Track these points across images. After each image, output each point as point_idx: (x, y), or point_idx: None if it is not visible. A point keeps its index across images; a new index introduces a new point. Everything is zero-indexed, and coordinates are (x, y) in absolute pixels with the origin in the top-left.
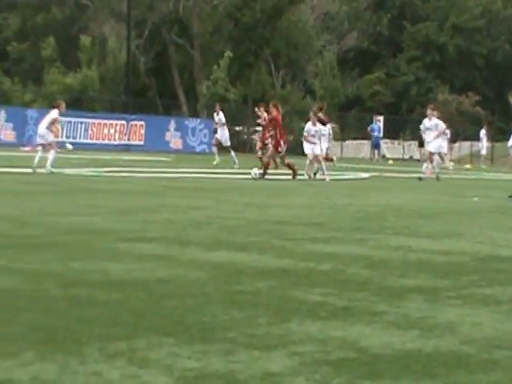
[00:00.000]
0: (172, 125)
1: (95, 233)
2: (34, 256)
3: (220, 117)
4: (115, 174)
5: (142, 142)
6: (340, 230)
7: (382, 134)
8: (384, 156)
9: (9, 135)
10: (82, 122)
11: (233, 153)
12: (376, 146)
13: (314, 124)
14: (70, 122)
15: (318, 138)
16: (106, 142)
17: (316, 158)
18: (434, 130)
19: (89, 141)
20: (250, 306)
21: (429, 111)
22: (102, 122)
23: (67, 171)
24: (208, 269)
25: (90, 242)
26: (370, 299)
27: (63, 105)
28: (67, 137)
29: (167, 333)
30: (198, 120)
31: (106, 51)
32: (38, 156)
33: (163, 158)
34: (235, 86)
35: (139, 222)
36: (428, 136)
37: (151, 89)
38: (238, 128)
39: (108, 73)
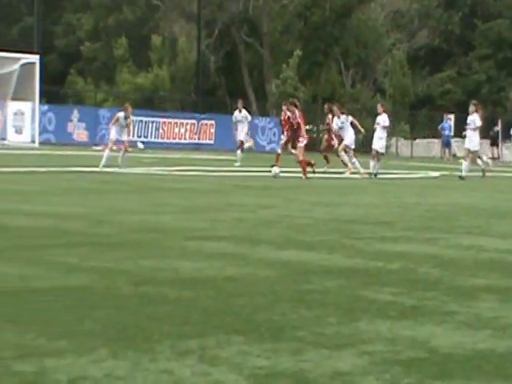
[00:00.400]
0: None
1: (165, 231)
2: (106, 254)
3: (243, 114)
4: (185, 173)
5: (211, 141)
6: (409, 229)
7: (452, 133)
8: (455, 155)
9: (81, 135)
10: (152, 122)
11: (239, 151)
12: (447, 144)
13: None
14: (142, 121)
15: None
16: (177, 141)
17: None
18: (471, 126)
19: (160, 140)
20: (320, 304)
21: (471, 107)
22: (173, 121)
23: (138, 170)
24: (277, 267)
25: (160, 240)
26: (441, 299)
27: (130, 109)
28: (138, 136)
29: (237, 331)
30: (268, 119)
31: (177, 51)
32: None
33: (232, 157)
34: (304, 85)
35: (208, 221)
36: (467, 133)
37: (221, 88)
38: (307, 127)
39: (178, 72)
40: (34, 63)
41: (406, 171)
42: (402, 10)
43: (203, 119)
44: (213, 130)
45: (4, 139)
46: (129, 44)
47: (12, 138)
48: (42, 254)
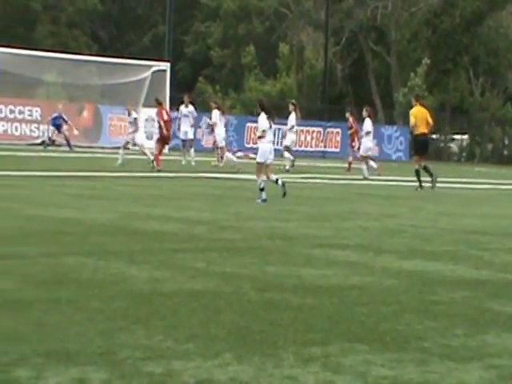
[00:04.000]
0: None
1: (290, 238)
2: (232, 259)
3: (190, 109)
4: (310, 181)
5: (337, 150)
6: None
7: None
8: None
9: (209, 141)
10: (279, 129)
11: (192, 152)
12: None
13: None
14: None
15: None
16: (303, 148)
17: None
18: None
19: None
20: (446, 316)
21: (364, 113)
22: (299, 128)
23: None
24: (402, 277)
25: (286, 247)
26: None
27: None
28: None
29: (361, 340)
30: (395, 127)
31: (304, 59)
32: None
33: (358, 166)
34: (432, 93)
35: (333, 229)
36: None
37: (347, 96)
38: (434, 136)
39: (305, 80)
40: (164, 70)
41: None
42: None
43: (329, 127)
44: (338, 138)
45: (136, 145)
46: (256, 52)
47: (143, 142)
48: (171, 257)
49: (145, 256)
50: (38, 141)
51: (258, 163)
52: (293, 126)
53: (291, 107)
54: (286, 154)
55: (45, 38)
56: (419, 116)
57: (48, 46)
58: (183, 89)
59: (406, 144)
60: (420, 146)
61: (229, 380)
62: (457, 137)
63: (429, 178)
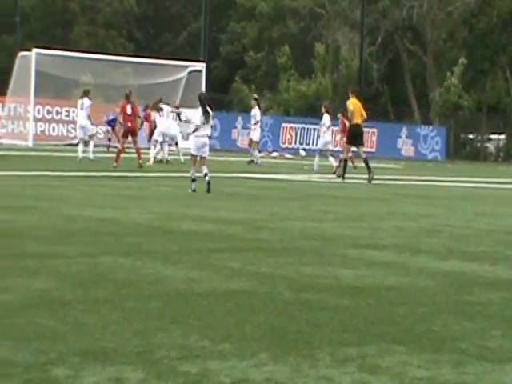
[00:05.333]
0: (404, 132)
1: (326, 238)
2: (268, 260)
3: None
4: (346, 181)
5: (373, 149)
6: None
7: None
8: None
9: (245, 141)
10: (314, 129)
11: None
12: None
13: None
14: (304, 128)
15: None
16: (338, 148)
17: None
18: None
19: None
20: (482, 317)
21: (323, 108)
22: (334, 128)
23: (299, 177)
24: (438, 278)
25: (322, 247)
26: None
27: None
28: (300, 143)
29: (397, 341)
30: (431, 127)
31: (339, 59)
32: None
33: (394, 166)
34: (469, 93)
35: (369, 229)
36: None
37: (383, 96)
38: (471, 136)
39: (341, 80)
40: (200, 71)
41: None
42: None
43: (365, 127)
44: (374, 138)
45: (171, 145)
46: (292, 52)
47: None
48: (207, 257)
49: (181, 256)
50: (75, 141)
51: (192, 155)
52: (257, 122)
53: (253, 102)
54: (254, 151)
55: (82, 39)
56: (356, 108)
57: (85, 47)
58: (219, 89)
59: (441, 144)
60: (353, 136)
61: (264, 380)
62: (493, 137)
63: (365, 176)
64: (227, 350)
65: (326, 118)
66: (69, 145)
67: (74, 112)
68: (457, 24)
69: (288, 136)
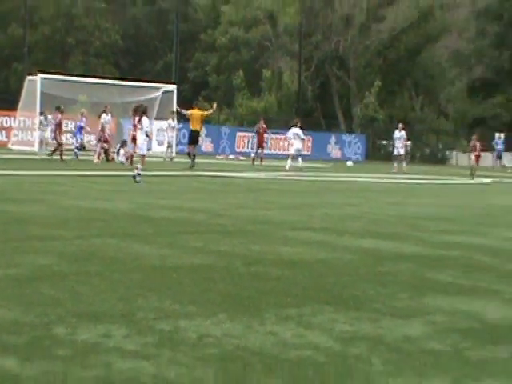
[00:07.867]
0: (332, 139)
1: (271, 223)
2: (225, 240)
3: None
4: (287, 178)
5: (309, 153)
6: (465, 224)
7: (503, 148)
8: (504, 165)
9: (208, 146)
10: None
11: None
12: (499, 157)
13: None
14: (254, 137)
15: None
16: (282, 152)
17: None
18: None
19: (269, 151)
20: (393, 283)
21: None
22: (278, 136)
23: (251, 175)
24: (359, 253)
25: (267, 230)
26: (492, 280)
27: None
28: (252, 148)
29: (327, 303)
30: (353, 135)
31: (282, 82)
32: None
33: (324, 165)
34: (383, 109)
35: (305, 216)
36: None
37: (316, 111)
38: (384, 142)
39: (283, 98)
40: (171, 91)
41: (463, 178)
42: (461, 50)
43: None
44: (310, 144)
45: (149, 149)
46: (245, 75)
47: (155, 148)
48: (177, 239)
49: (156, 238)
50: (72, 147)
51: (142, 155)
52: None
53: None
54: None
55: (77, 67)
56: (194, 116)
57: (79, 72)
58: (186, 106)
59: (362, 148)
60: (192, 138)
61: (223, 335)
62: None
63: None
64: (194, 311)
65: (295, 131)
66: (67, 150)
67: (71, 124)
68: (373, 54)
69: (242, 142)
